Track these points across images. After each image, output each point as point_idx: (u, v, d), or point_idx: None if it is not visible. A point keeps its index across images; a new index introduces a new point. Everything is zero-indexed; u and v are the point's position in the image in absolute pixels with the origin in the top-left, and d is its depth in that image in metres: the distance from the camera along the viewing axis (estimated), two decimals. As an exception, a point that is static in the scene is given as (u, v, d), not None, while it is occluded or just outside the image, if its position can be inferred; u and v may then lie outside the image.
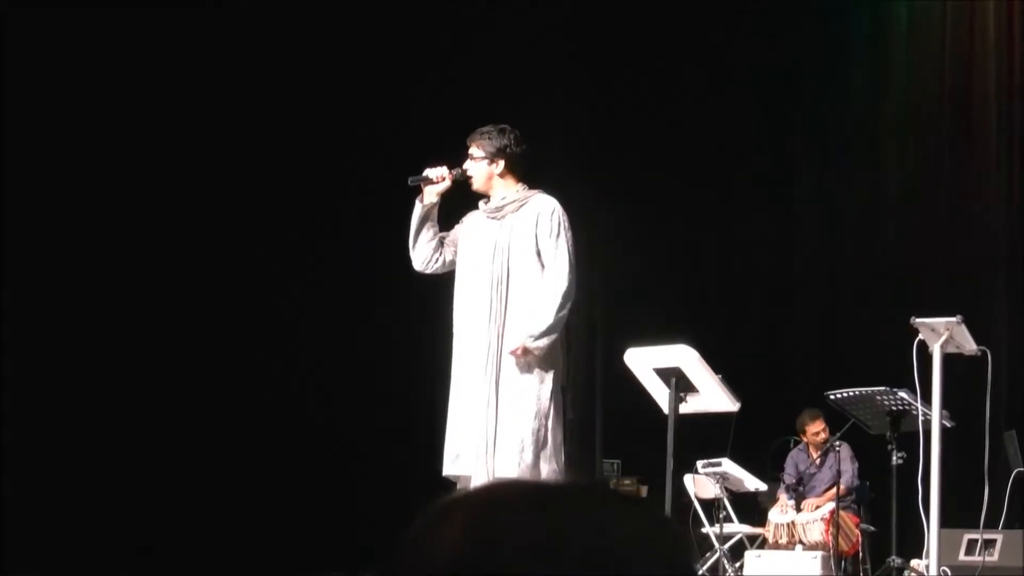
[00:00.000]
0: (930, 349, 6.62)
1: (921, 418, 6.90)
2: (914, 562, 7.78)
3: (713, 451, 9.66)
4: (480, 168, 6.27)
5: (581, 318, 11.13)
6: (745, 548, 9.82)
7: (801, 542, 9.67)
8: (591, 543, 1.14)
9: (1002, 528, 8.10)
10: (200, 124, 9.62)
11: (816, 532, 9.69)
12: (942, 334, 6.59)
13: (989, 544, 8.05)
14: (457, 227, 6.38)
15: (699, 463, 9.78)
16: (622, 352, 6.87)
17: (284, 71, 10.02)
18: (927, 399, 6.77)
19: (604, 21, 11.56)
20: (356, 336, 10.14)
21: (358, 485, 9.68)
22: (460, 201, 6.43)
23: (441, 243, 6.34)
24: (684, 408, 6.59)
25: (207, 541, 9.12)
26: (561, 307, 6.08)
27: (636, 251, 11.61)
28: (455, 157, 6.34)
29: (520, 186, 6.28)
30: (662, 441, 6.55)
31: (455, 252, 6.32)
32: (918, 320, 6.65)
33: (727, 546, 9.59)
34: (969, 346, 6.68)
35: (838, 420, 8.82)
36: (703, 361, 6.60)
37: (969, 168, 11.26)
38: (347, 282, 10.05)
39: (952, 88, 11.41)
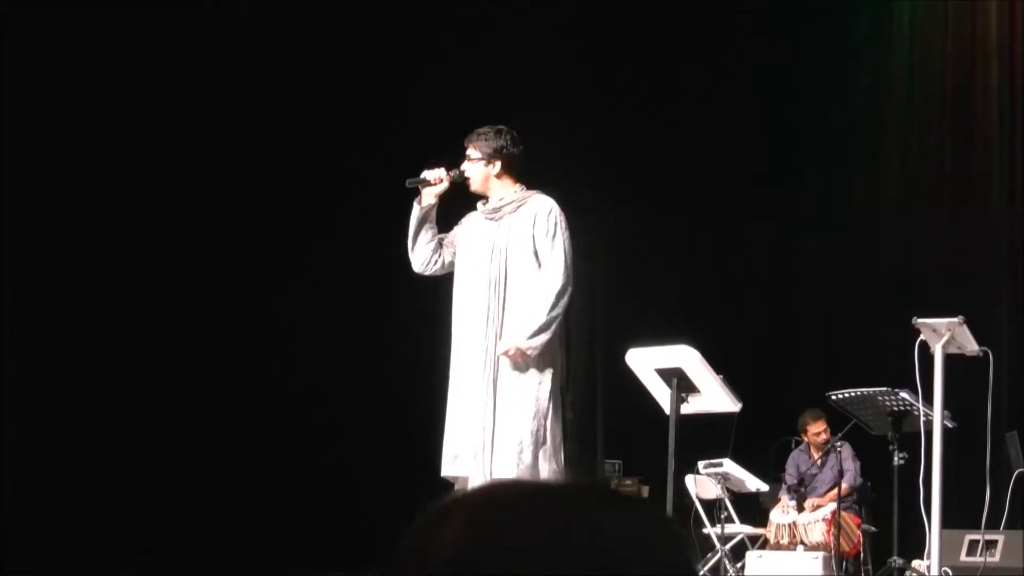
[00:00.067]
0: (931, 349, 6.62)
1: (922, 419, 6.89)
2: (915, 563, 7.77)
3: (714, 451, 9.66)
4: (477, 169, 6.27)
5: (582, 319, 11.16)
6: (746, 549, 9.82)
7: (802, 543, 9.66)
8: (591, 543, 1.14)
9: (1003, 529, 8.09)
10: (200, 124, 9.62)
11: (817, 533, 9.69)
12: (944, 334, 6.58)
13: (990, 545, 8.05)
14: (456, 228, 6.38)
15: (700, 464, 9.78)
16: (623, 353, 6.86)
17: (284, 71, 10.03)
18: (928, 400, 6.77)
19: (604, 21, 11.56)
20: (356, 336, 10.14)
21: (358, 485, 9.68)
22: (459, 202, 6.43)
23: (440, 245, 6.34)
24: (685, 408, 6.58)
25: (207, 541, 9.12)
26: (554, 306, 6.07)
27: (636, 251, 11.61)
28: (455, 157, 6.34)
29: (518, 187, 6.29)
30: (663, 442, 6.54)
31: (454, 253, 6.32)
32: (920, 320, 6.64)
33: (728, 547, 9.59)
34: (971, 346, 6.68)
35: (840, 421, 8.82)
36: (704, 361, 6.59)
37: (970, 168, 11.26)
38: (347, 282, 10.05)
39: (953, 88, 11.41)
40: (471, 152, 6.29)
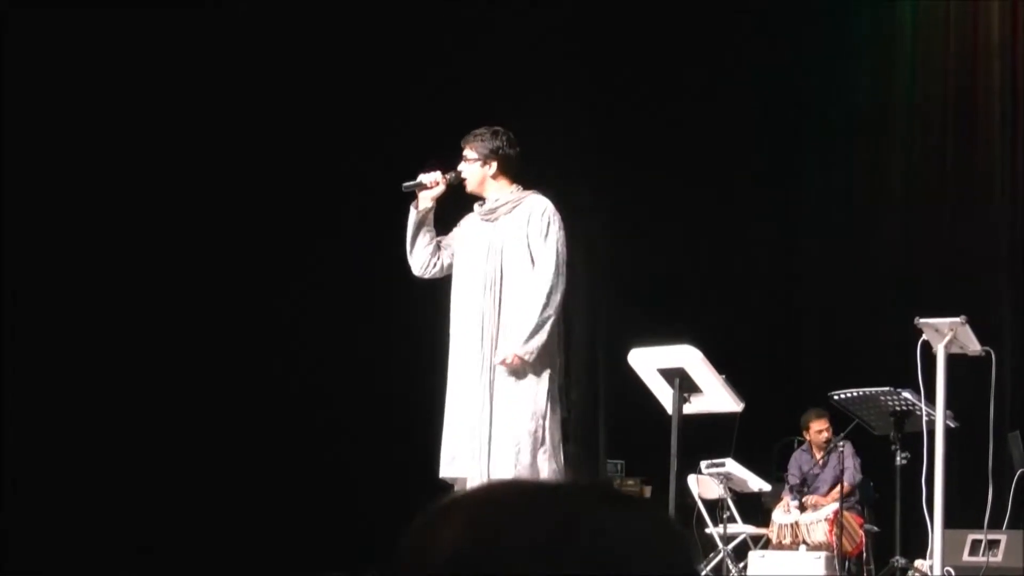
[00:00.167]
0: (934, 349, 6.62)
1: (925, 418, 6.88)
2: (918, 562, 7.77)
3: (717, 451, 9.66)
4: (474, 170, 6.28)
5: (583, 319, 11.16)
6: (749, 548, 9.82)
7: (805, 542, 9.66)
8: (591, 543, 1.14)
9: (1006, 528, 8.09)
10: (200, 124, 9.62)
11: (820, 532, 9.69)
12: (946, 334, 6.58)
13: (993, 544, 8.04)
14: (454, 230, 6.40)
15: (703, 463, 9.78)
16: (625, 353, 6.86)
17: (284, 71, 10.03)
18: (931, 399, 6.76)
19: (604, 21, 11.56)
20: (356, 336, 10.14)
21: (358, 485, 9.68)
22: (456, 204, 6.43)
23: (438, 247, 6.35)
24: (688, 408, 6.58)
25: (207, 541, 9.12)
26: (546, 306, 6.07)
27: (637, 251, 11.60)
28: (455, 157, 6.35)
29: (514, 187, 6.29)
30: (666, 442, 6.54)
31: (453, 255, 6.32)
32: (922, 320, 6.64)
33: (731, 546, 9.59)
34: (973, 346, 6.67)
35: (842, 421, 8.82)
36: (707, 361, 6.59)
37: (972, 168, 11.26)
38: (347, 282, 10.05)
39: (955, 88, 11.40)
40: (467, 153, 6.31)
